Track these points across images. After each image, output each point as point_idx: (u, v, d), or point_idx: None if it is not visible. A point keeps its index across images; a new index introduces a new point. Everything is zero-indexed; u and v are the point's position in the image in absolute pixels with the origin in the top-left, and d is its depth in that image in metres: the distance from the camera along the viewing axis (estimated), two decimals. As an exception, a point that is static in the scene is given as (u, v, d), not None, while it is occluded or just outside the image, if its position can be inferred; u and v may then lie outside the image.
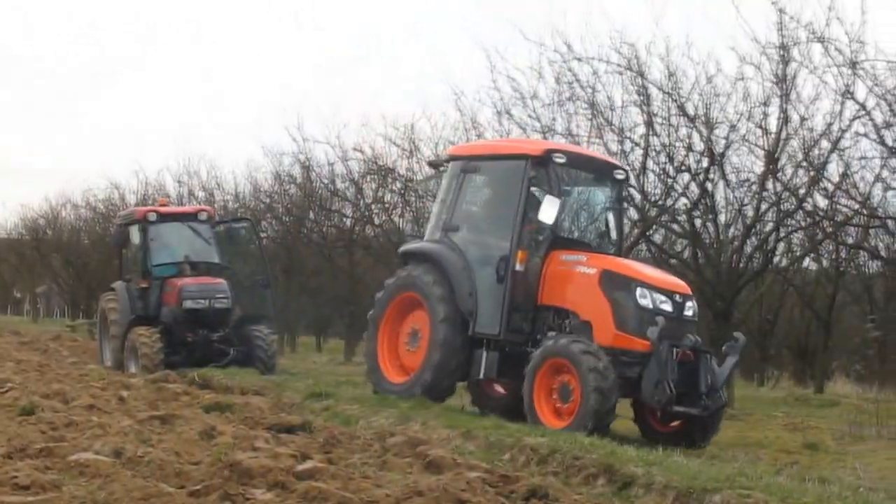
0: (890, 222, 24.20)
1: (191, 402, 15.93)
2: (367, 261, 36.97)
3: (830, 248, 26.81)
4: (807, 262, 29.07)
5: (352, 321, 37.23)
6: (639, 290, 14.61)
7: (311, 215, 36.85)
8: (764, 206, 22.23)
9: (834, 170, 21.91)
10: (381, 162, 32.05)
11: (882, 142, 20.24)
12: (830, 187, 22.17)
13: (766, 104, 21.22)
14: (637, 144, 22.66)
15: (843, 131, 20.71)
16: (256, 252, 28.43)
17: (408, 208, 32.67)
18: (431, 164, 18.47)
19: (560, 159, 15.52)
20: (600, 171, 16.75)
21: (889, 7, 19.88)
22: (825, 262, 28.78)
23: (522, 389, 14.78)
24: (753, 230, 22.68)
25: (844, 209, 23.32)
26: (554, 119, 23.75)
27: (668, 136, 22.40)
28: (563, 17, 31.39)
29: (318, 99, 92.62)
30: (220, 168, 64.51)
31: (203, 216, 25.34)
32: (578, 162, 16.33)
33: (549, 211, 14.97)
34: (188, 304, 23.42)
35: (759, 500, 9.27)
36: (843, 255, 27.15)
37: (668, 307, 14.66)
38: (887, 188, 22.43)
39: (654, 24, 24.26)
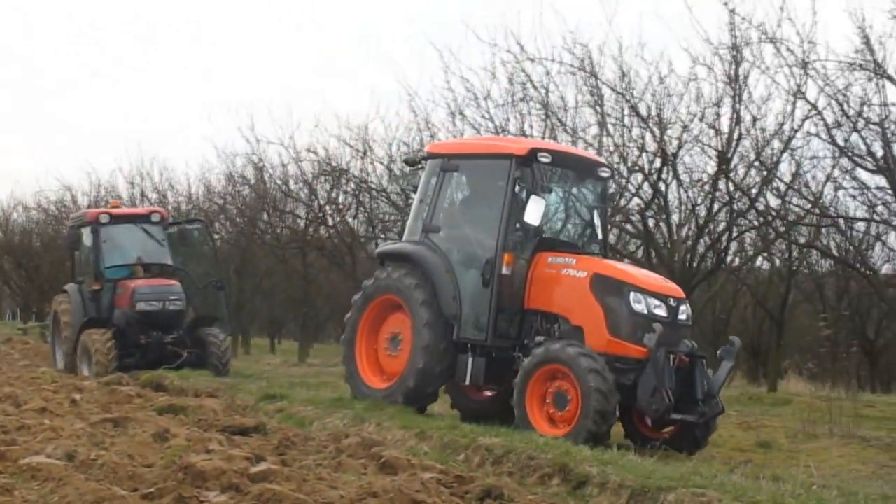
0: (841, 221, 24.43)
1: (144, 405, 15.82)
2: (321, 262, 36.91)
3: (783, 247, 27.01)
4: (759, 261, 29.32)
5: (305, 322, 37.23)
6: (632, 295, 14.05)
7: (265, 216, 36.71)
8: (716, 206, 22.37)
9: (786, 169, 22.14)
10: (334, 163, 32.00)
11: (833, 141, 20.40)
12: (782, 187, 22.38)
13: (718, 104, 21.35)
14: (590, 145, 22.71)
15: (795, 131, 20.91)
16: (210, 253, 28.32)
17: (361, 209, 32.66)
18: (408, 162, 17.83)
19: (545, 158, 14.90)
20: (584, 170, 16.07)
21: (840, 7, 20.00)
22: (777, 262, 29.00)
23: (512, 398, 14.18)
24: (706, 230, 22.82)
25: (796, 208, 23.54)
26: (507, 119, 23.83)
27: (622, 136, 22.50)
28: (516, 16, 31.36)
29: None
30: (173, 170, 64.37)
31: (156, 217, 25.16)
32: (563, 160, 15.66)
33: (534, 212, 14.47)
34: (141, 306, 23.25)
35: (712, 498, 9.31)
36: (795, 254, 27.35)
37: (662, 312, 14.13)
38: (838, 187, 22.68)
39: (608, 24, 24.43)
